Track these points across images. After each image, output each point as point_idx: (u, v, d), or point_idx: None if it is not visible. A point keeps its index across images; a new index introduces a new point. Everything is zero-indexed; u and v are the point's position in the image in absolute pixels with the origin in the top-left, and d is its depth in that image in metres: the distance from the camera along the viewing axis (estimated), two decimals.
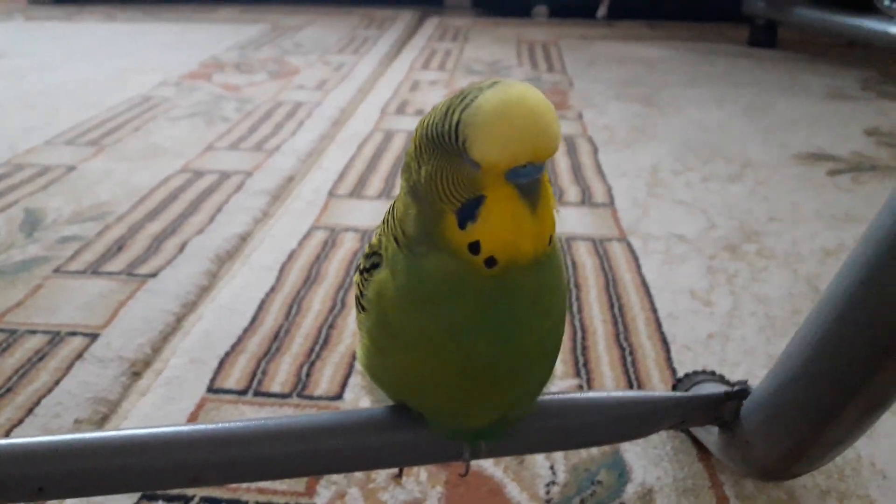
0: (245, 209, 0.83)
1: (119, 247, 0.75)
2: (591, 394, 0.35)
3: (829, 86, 1.39)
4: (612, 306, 0.65)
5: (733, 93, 1.35)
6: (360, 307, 0.31)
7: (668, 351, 0.59)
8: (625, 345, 0.59)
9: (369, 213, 0.83)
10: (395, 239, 0.29)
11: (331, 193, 0.88)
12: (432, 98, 1.29)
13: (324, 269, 0.71)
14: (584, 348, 0.59)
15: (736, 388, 0.35)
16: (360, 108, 1.24)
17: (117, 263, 0.71)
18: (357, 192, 0.89)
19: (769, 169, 0.98)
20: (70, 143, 1.04)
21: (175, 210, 0.83)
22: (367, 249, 0.31)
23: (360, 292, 0.31)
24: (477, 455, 0.34)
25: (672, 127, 1.15)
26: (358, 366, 0.60)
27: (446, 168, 0.26)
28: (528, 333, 0.29)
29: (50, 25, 1.97)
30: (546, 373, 0.32)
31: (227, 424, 0.32)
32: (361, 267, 0.31)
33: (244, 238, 0.78)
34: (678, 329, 0.62)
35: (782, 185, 0.93)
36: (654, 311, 0.64)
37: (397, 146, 1.05)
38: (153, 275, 0.69)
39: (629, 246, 0.75)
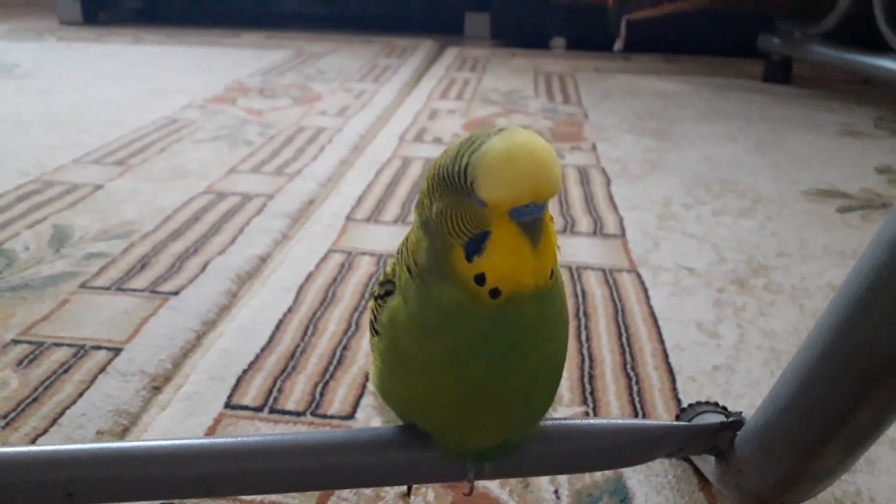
0: (265, 231, 0.86)
1: (143, 264, 0.77)
2: (592, 420, 0.37)
3: (842, 123, 1.41)
4: (620, 336, 0.66)
5: (747, 128, 1.37)
6: (374, 331, 0.34)
7: (673, 381, 0.60)
8: (632, 374, 0.61)
9: (385, 238, 0.85)
10: (408, 269, 0.31)
11: (349, 218, 0.91)
12: (450, 126, 1.32)
13: (340, 291, 0.73)
14: (592, 377, 0.61)
15: (731, 418, 0.37)
16: (379, 135, 1.27)
17: (141, 281, 0.74)
18: (374, 217, 0.91)
19: (779, 204, 0.99)
20: (97, 163, 1.08)
21: (198, 230, 0.85)
22: (381, 277, 0.34)
23: (374, 317, 0.33)
24: (481, 475, 0.36)
25: (685, 161, 1.17)
26: (370, 386, 0.62)
27: (455, 205, 0.29)
28: (530, 360, 0.31)
29: (79, 46, 2.02)
30: (548, 398, 0.34)
31: (244, 439, 0.34)
32: (376, 294, 0.34)
33: (264, 259, 0.80)
34: (684, 360, 0.63)
35: (792, 220, 0.94)
36: (662, 341, 0.65)
37: (414, 173, 1.07)
38: (175, 293, 0.72)
39: (639, 277, 0.77)
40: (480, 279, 0.29)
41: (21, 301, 0.70)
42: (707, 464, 0.41)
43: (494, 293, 0.29)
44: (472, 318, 0.30)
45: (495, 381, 0.31)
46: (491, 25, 2.30)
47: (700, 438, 0.36)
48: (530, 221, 0.28)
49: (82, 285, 0.73)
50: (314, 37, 2.27)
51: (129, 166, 1.07)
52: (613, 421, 0.37)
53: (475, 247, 0.28)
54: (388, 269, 0.33)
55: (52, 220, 0.88)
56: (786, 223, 0.93)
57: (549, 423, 0.37)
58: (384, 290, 0.33)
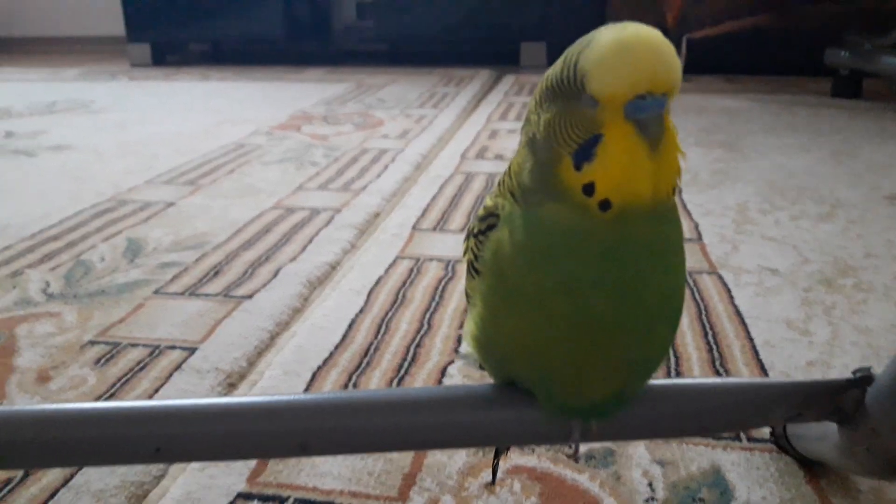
0: (334, 241, 0.86)
1: (216, 272, 0.78)
2: (702, 380, 0.34)
3: None
4: (705, 334, 0.63)
5: (818, 140, 1.32)
6: (473, 272, 0.31)
7: (766, 377, 0.57)
8: (721, 371, 0.58)
9: (452, 245, 0.84)
10: (512, 194, 0.29)
11: (415, 227, 0.90)
12: (511, 144, 1.31)
13: (410, 293, 0.72)
14: (679, 374, 0.58)
15: (858, 374, 0.33)
16: (441, 154, 1.27)
17: (214, 286, 0.74)
18: (440, 226, 0.91)
19: (861, 209, 0.95)
20: (169, 183, 1.10)
21: (269, 241, 0.86)
22: (480, 212, 0.31)
23: (475, 255, 0.31)
24: (587, 436, 0.33)
25: (757, 170, 1.13)
26: (464, 347, 0.60)
27: (564, 111, 0.26)
28: (651, 290, 0.28)
29: (150, 84, 2.10)
30: (669, 339, 0.30)
31: (336, 394, 0.32)
32: (476, 230, 0.31)
33: (334, 266, 0.80)
34: (776, 357, 0.60)
35: (876, 223, 0.90)
36: (751, 339, 0.62)
37: (478, 187, 1.07)
38: (248, 296, 0.72)
39: (720, 278, 0.74)
40: (589, 189, 0.26)
41: (98, 306, 0.71)
42: (822, 442, 0.37)
43: (604, 205, 0.26)
44: (583, 240, 0.27)
45: (612, 314, 0.27)
46: (547, 53, 2.31)
47: (823, 399, 0.33)
48: (648, 118, 0.25)
49: (156, 291, 0.74)
50: (373, 70, 2.31)
51: (200, 185, 1.09)
52: (724, 379, 0.34)
53: (585, 153, 0.26)
54: (489, 201, 0.31)
55: (127, 233, 0.89)
56: (870, 226, 0.89)
57: (655, 382, 0.34)
58: (486, 224, 0.30)
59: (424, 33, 2.40)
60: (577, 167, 0.26)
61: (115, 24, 2.77)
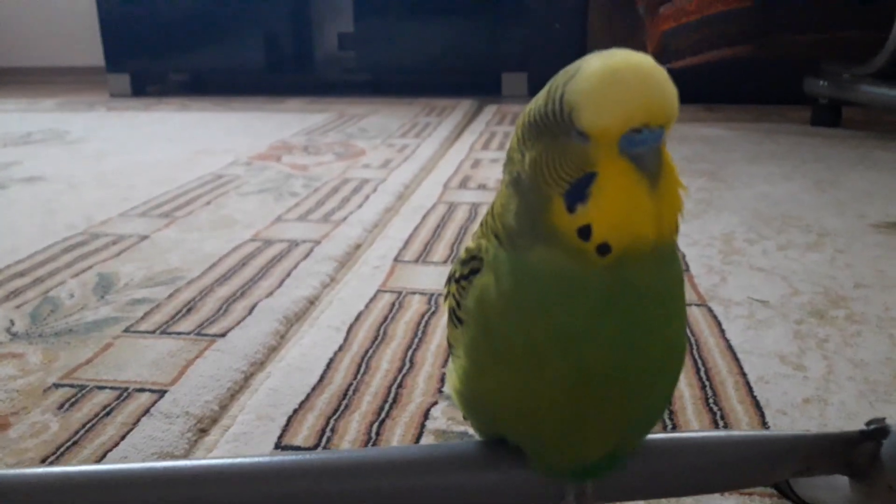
0: (313, 274, 0.83)
1: (189, 309, 0.75)
2: (703, 433, 0.32)
3: None
4: (697, 370, 0.61)
5: (801, 168, 1.32)
6: (456, 320, 0.28)
7: (762, 415, 0.55)
8: (715, 409, 0.55)
9: (435, 278, 0.82)
10: (496, 236, 0.26)
11: (397, 259, 0.88)
12: (494, 174, 1.30)
13: (391, 329, 0.69)
14: (671, 413, 0.55)
15: (872, 426, 0.31)
16: (423, 184, 1.25)
17: (187, 324, 0.71)
18: (423, 258, 0.88)
19: (848, 237, 0.94)
20: (143, 215, 1.07)
21: (245, 275, 0.83)
22: (462, 255, 0.28)
23: (457, 302, 0.28)
24: (583, 498, 0.30)
25: (741, 199, 1.12)
26: (446, 391, 0.57)
27: (552, 148, 0.24)
28: (653, 340, 0.25)
29: (128, 115, 2.08)
30: (670, 392, 0.28)
31: (308, 455, 0.30)
32: (457, 275, 0.28)
33: (312, 301, 0.77)
34: (771, 393, 0.58)
35: (865, 252, 0.88)
36: (744, 374, 0.60)
37: (461, 216, 1.05)
38: (222, 335, 0.69)
39: (710, 311, 0.72)
40: (585, 232, 0.23)
41: (64, 346, 0.68)
42: (831, 492, 0.35)
43: (603, 249, 0.23)
44: (579, 287, 0.24)
45: (613, 368, 0.25)
46: (528, 83, 2.32)
47: (834, 451, 0.30)
48: (645, 152, 0.22)
49: (126, 329, 0.70)
50: (355, 101, 2.30)
51: (175, 218, 1.06)
52: (727, 432, 0.32)
53: (578, 193, 0.23)
54: (472, 244, 0.28)
55: (98, 268, 0.86)
56: (858, 255, 0.88)
57: (653, 436, 0.31)
58: (468, 268, 0.27)
59: (406, 64, 2.40)
60: (570, 209, 0.24)
61: (94, 55, 2.75)
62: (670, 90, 0.23)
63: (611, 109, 0.22)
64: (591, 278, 0.24)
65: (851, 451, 0.30)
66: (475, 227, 1.00)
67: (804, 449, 0.30)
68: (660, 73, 0.23)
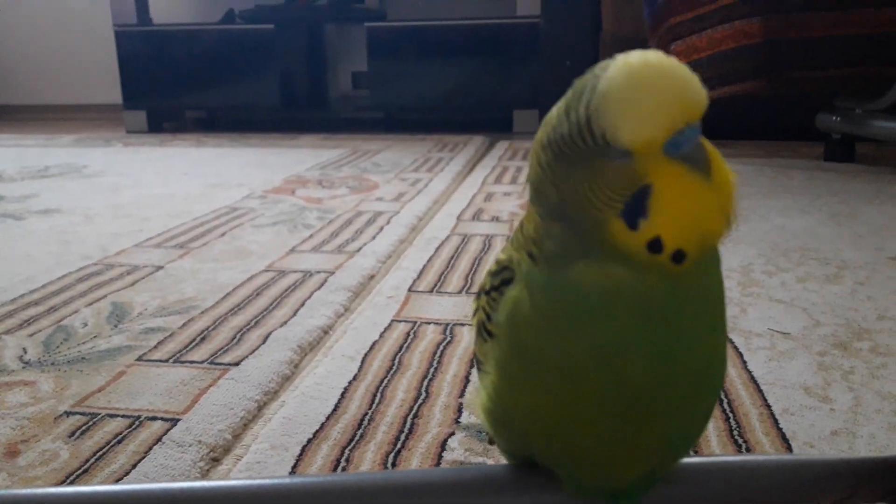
0: (327, 304, 0.82)
1: (202, 338, 0.74)
2: (741, 457, 0.31)
3: None
4: (720, 402, 0.60)
5: (816, 202, 1.31)
6: (486, 334, 0.27)
7: (789, 448, 0.53)
8: (740, 441, 0.54)
9: (450, 308, 0.81)
10: (530, 254, 0.25)
11: (411, 290, 0.87)
12: (507, 206, 1.30)
13: (406, 359, 0.68)
14: (695, 447, 0.54)
15: None
16: (436, 216, 1.25)
17: (200, 353, 0.71)
18: (437, 288, 0.88)
19: (868, 270, 0.93)
20: (158, 246, 1.08)
21: (259, 305, 0.83)
22: (492, 267, 0.28)
23: (487, 316, 0.27)
24: None
25: (758, 232, 1.11)
26: (472, 411, 0.56)
27: (591, 174, 0.23)
28: (697, 353, 0.24)
29: (145, 150, 2.10)
30: (710, 406, 0.26)
31: (327, 477, 0.29)
32: (487, 287, 0.27)
33: (326, 330, 0.76)
34: (797, 426, 0.56)
35: (886, 285, 0.87)
36: (768, 406, 0.59)
37: (475, 248, 1.04)
38: (235, 364, 0.68)
39: (731, 342, 0.71)
40: (656, 246, 0.23)
41: (76, 374, 0.67)
42: None
43: (678, 257, 0.23)
44: (629, 301, 0.23)
45: (652, 383, 0.24)
46: (539, 120, 2.33)
47: (879, 477, 0.29)
48: (692, 149, 0.22)
49: (139, 358, 0.70)
50: (368, 137, 2.32)
51: (190, 249, 1.06)
52: (767, 456, 0.30)
53: (637, 209, 0.23)
54: (502, 255, 0.27)
55: (112, 298, 0.86)
56: (879, 288, 0.86)
57: (689, 460, 0.30)
58: (499, 279, 0.26)
59: (419, 102, 2.42)
60: (633, 226, 0.23)
61: (111, 92, 2.80)
62: (693, 80, 0.23)
63: (650, 120, 0.22)
64: (652, 290, 0.23)
65: None
66: (490, 257, 0.99)
67: (847, 474, 0.29)
68: (679, 67, 0.23)
